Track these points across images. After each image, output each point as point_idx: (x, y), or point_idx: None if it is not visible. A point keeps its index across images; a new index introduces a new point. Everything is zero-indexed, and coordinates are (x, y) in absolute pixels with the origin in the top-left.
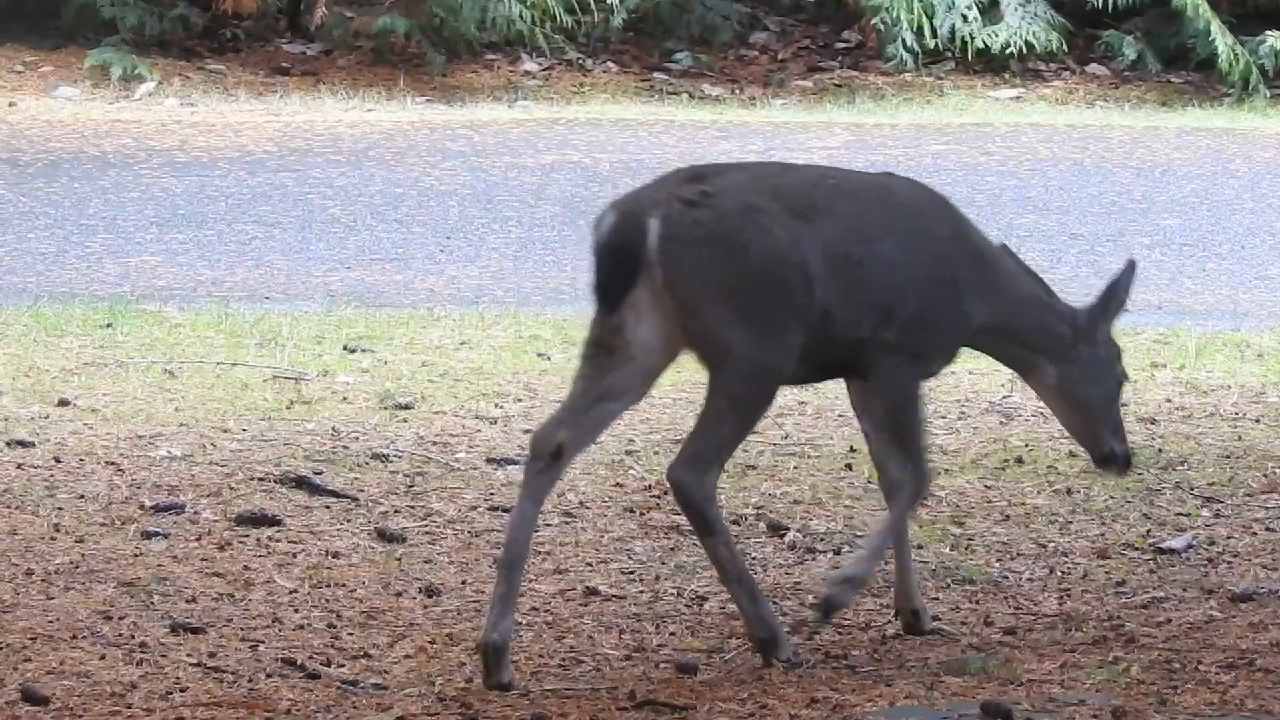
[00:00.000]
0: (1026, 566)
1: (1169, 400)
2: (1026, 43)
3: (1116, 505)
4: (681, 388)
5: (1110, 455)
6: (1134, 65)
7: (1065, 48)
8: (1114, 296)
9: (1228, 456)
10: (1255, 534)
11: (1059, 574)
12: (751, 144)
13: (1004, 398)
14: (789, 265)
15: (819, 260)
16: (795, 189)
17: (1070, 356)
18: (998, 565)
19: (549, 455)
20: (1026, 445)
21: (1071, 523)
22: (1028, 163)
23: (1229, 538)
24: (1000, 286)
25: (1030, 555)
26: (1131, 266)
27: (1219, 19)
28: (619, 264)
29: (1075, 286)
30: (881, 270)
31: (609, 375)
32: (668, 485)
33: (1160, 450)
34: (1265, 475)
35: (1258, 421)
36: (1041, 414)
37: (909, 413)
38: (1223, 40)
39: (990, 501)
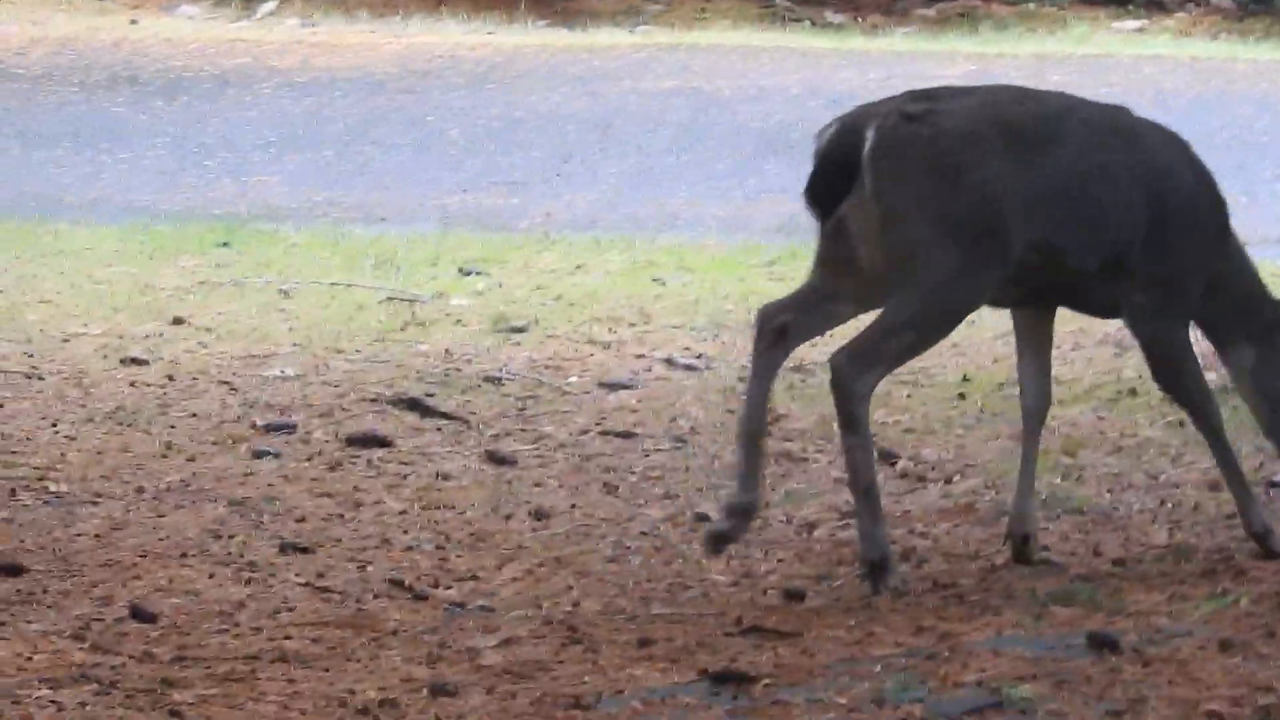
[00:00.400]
0: (1137, 498)
1: None
2: None
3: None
4: None
5: None
6: None
7: None
8: None
9: None
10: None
11: (1169, 506)
12: (872, 72)
13: (1119, 328)
14: (1003, 198)
15: (1044, 191)
16: (1033, 119)
17: (1268, 340)
18: (1108, 496)
19: (772, 333)
20: (1140, 377)
21: (1183, 455)
22: (1150, 95)
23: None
24: (1238, 254)
25: (1141, 487)
26: None
27: None
28: (833, 171)
29: None
30: (1114, 215)
31: (838, 280)
32: (830, 372)
33: None
34: None
35: None
36: None
37: (1180, 361)
38: None
39: (1102, 433)
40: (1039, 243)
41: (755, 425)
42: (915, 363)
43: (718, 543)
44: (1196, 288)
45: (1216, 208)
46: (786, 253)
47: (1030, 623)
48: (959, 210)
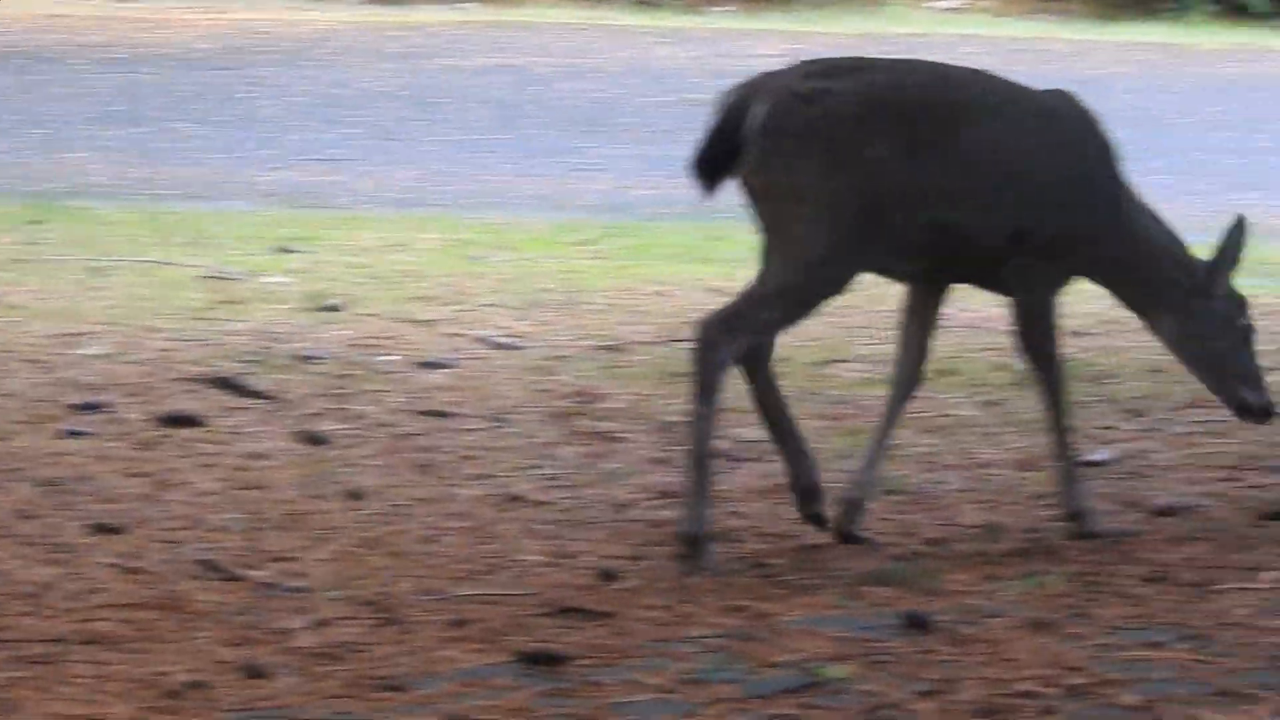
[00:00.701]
0: (951, 477)
1: (1097, 313)
2: None
3: (1042, 418)
4: (614, 295)
5: (1245, 405)
6: None
7: None
8: (1228, 252)
9: (1153, 371)
10: (1178, 448)
11: (983, 486)
12: (689, 50)
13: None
14: (879, 185)
15: (943, 175)
16: (936, 102)
17: (1189, 309)
18: (923, 476)
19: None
20: (956, 356)
21: (997, 434)
22: None
23: (1153, 451)
24: (1132, 224)
25: (955, 467)
26: (1242, 222)
27: None
28: (719, 144)
29: None
30: (1019, 189)
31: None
32: (695, 335)
33: (1087, 364)
34: (1189, 390)
35: None
36: (971, 325)
37: (1045, 326)
38: None
39: (918, 412)
40: (938, 224)
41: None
42: None
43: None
44: (1080, 257)
45: (1112, 178)
46: (606, 231)
47: (845, 602)
48: (839, 192)
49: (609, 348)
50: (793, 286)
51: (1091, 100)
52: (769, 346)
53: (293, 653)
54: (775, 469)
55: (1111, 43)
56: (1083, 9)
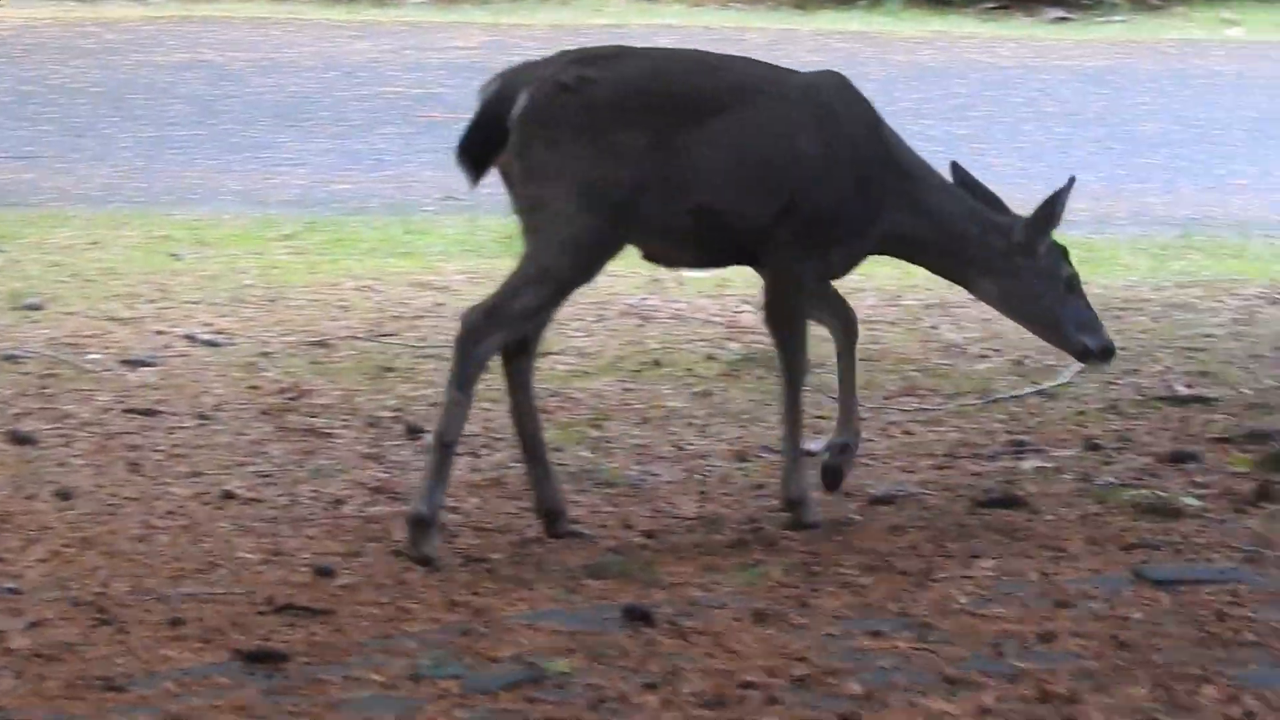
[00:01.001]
0: (665, 469)
1: None
2: None
3: (754, 408)
4: (317, 290)
5: (1086, 350)
6: None
7: None
8: (1052, 209)
9: (865, 360)
10: (893, 436)
11: (698, 477)
12: (384, 43)
13: (642, 299)
14: (649, 167)
15: (706, 160)
16: (697, 89)
17: (1008, 269)
18: (637, 468)
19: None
20: (664, 348)
21: (709, 425)
22: None
23: (867, 440)
24: (916, 197)
25: (669, 458)
26: (1071, 181)
27: None
28: (484, 131)
29: None
30: (788, 167)
31: None
32: (459, 328)
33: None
34: (902, 378)
35: (894, 325)
36: (679, 316)
37: (795, 302)
38: None
39: (628, 404)
40: (703, 208)
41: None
42: (439, 337)
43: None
44: (846, 227)
45: (883, 157)
46: (306, 226)
47: (564, 596)
48: (597, 177)
49: (315, 343)
50: (549, 271)
51: None
52: (532, 355)
53: (9, 654)
54: (490, 462)
55: (810, 31)
56: None
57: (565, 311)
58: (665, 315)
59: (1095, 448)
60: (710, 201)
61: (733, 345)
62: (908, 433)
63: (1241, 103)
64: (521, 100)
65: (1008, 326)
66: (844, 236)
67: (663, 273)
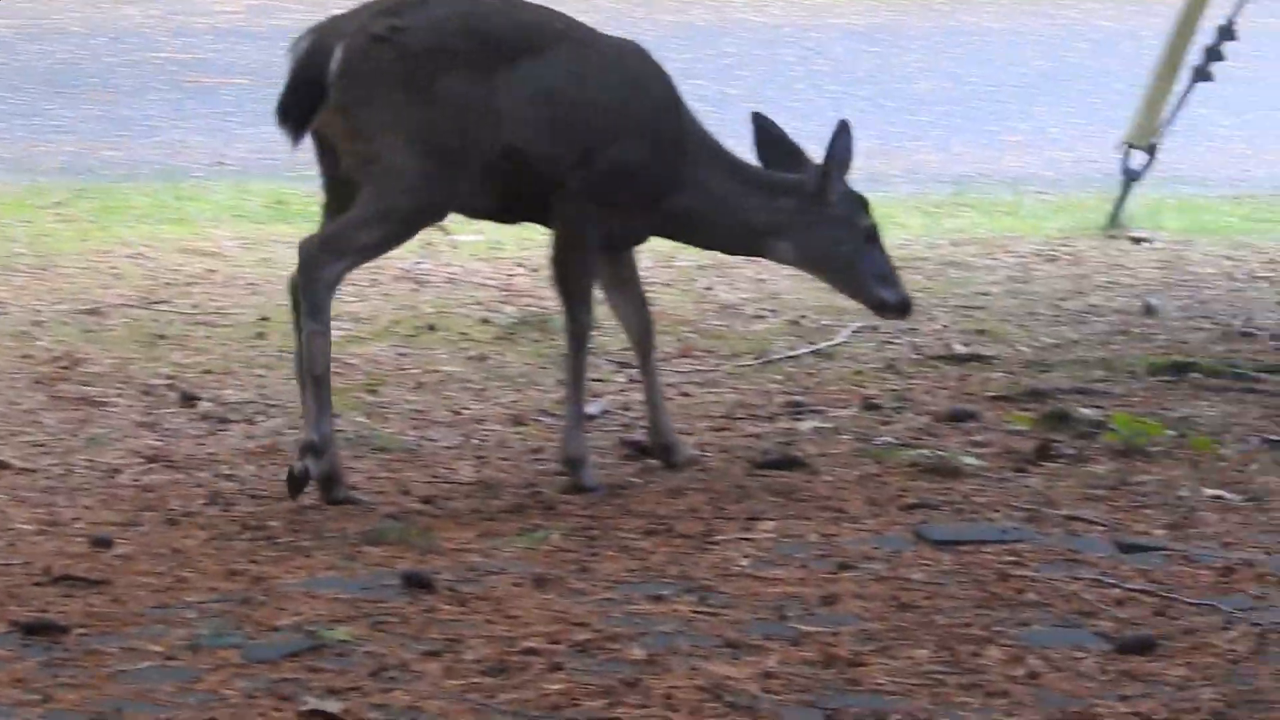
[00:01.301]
0: (442, 434)
1: None
2: None
3: (531, 372)
4: (89, 258)
5: (884, 303)
6: None
7: None
8: (835, 156)
9: None
10: (669, 398)
11: (475, 442)
12: (152, 8)
13: (416, 264)
14: (471, 107)
15: (518, 101)
16: (506, 29)
17: (804, 225)
18: (413, 433)
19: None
20: (439, 312)
21: (485, 389)
22: None
23: (643, 402)
24: (703, 178)
25: (445, 423)
26: (846, 125)
27: None
28: (302, 90)
29: None
30: (590, 117)
31: (349, 199)
32: (297, 263)
33: None
34: (678, 340)
35: (668, 286)
36: (453, 280)
37: (580, 258)
38: None
39: (404, 369)
40: (512, 148)
41: (325, 367)
42: (211, 303)
43: (300, 485)
44: (634, 192)
45: (677, 130)
46: (75, 193)
47: (343, 564)
48: (425, 124)
49: (87, 311)
50: (391, 211)
51: None
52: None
53: None
54: (266, 429)
55: None
56: None
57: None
58: (439, 279)
59: (873, 407)
60: (518, 141)
61: (508, 309)
62: (685, 394)
63: (1013, 59)
64: (337, 56)
65: (783, 286)
66: (633, 203)
67: (436, 236)
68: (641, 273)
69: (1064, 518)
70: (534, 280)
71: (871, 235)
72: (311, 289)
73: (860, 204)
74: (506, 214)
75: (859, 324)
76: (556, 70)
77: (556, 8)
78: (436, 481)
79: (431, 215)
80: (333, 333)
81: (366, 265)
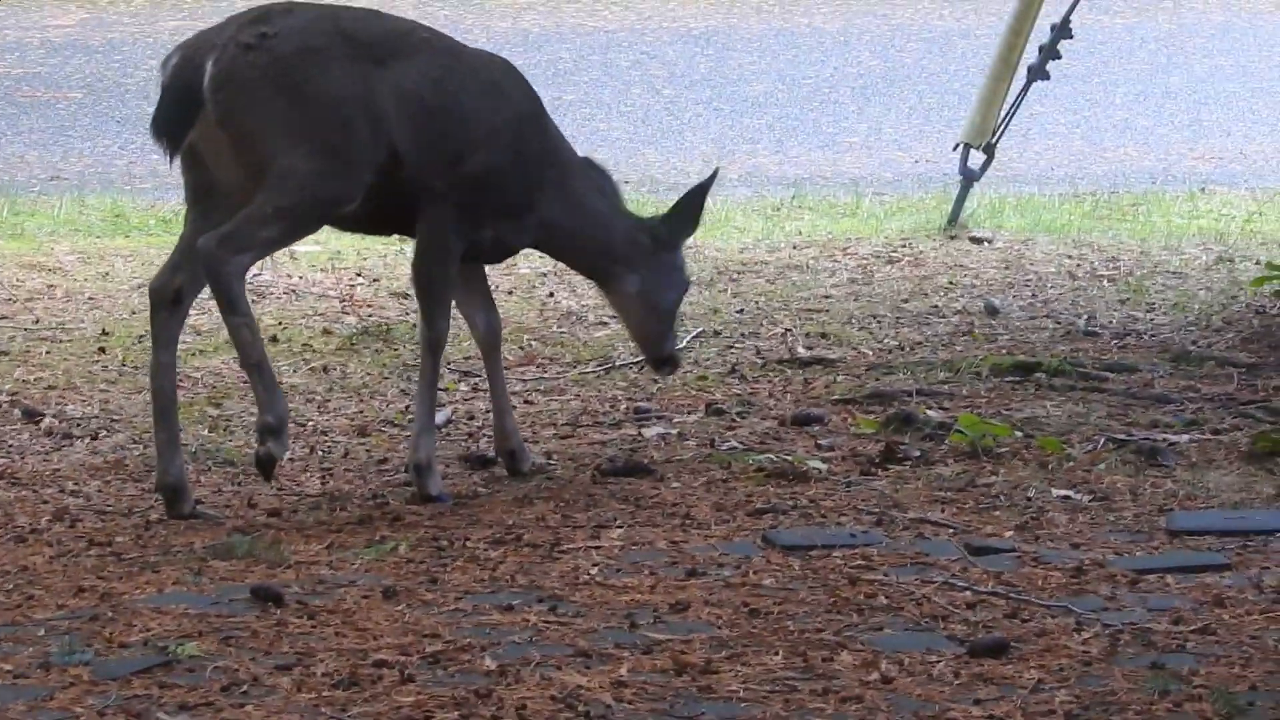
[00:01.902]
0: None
1: None
2: None
3: (374, 382)
4: None
5: (668, 358)
6: None
7: None
8: (695, 203)
9: None
10: (514, 406)
11: (320, 453)
12: None
13: (255, 276)
14: (350, 102)
15: (390, 101)
16: (373, 33)
17: (652, 265)
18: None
19: (169, 302)
20: (280, 324)
21: (329, 401)
22: None
23: (487, 411)
24: (571, 191)
25: (290, 435)
26: (714, 174)
27: None
28: (177, 104)
29: None
30: (456, 122)
31: (212, 215)
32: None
33: (414, 325)
34: (522, 348)
35: (511, 294)
36: (294, 292)
37: (442, 266)
38: None
39: (247, 382)
40: (390, 146)
41: (167, 399)
42: (53, 318)
43: (269, 467)
44: (500, 201)
45: (543, 141)
46: None
47: (192, 579)
48: (309, 123)
49: None
50: (291, 208)
51: None
52: (184, 312)
53: None
54: (110, 444)
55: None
56: None
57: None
58: (280, 291)
59: (718, 412)
60: (397, 143)
61: (349, 319)
62: (529, 402)
63: (848, 60)
64: (209, 69)
65: None
66: (498, 214)
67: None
68: None
69: (913, 521)
70: (374, 291)
71: (686, 288)
72: (223, 282)
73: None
74: (378, 220)
75: (701, 328)
76: (424, 75)
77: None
78: (283, 494)
79: (330, 208)
80: (180, 347)
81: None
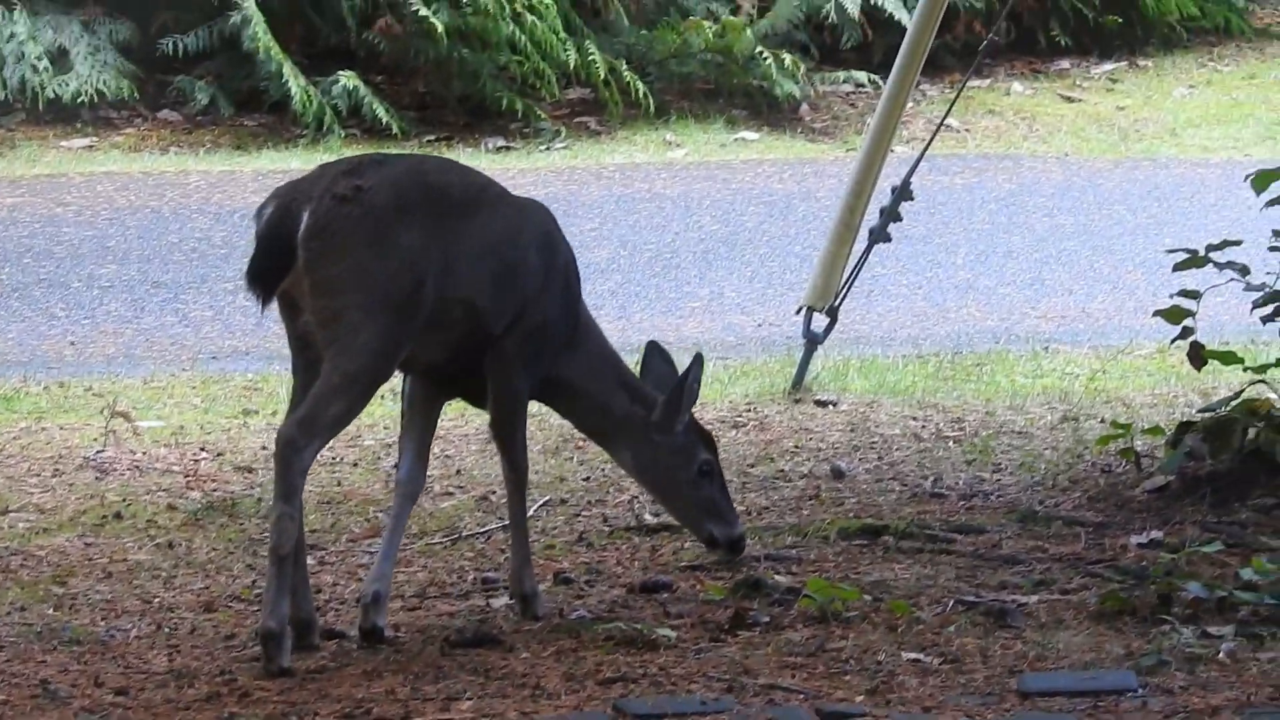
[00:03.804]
0: (133, 624)
1: (265, 448)
2: (98, 91)
3: (220, 557)
4: None
5: (711, 539)
6: (207, 110)
7: (137, 95)
8: (686, 388)
9: (328, 502)
10: (361, 579)
11: (166, 630)
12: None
13: (98, 453)
14: (425, 258)
15: (467, 253)
16: (453, 187)
17: (646, 441)
18: (104, 624)
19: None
20: (124, 500)
21: (175, 577)
22: (104, 212)
23: (334, 584)
24: (586, 345)
25: (136, 612)
26: (700, 360)
27: (290, 60)
28: (270, 254)
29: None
30: (521, 272)
31: (316, 365)
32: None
33: (260, 500)
34: (367, 520)
35: (355, 465)
36: (138, 468)
37: (517, 411)
38: (295, 82)
39: (91, 559)
40: (459, 300)
41: (291, 549)
42: None
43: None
44: (554, 350)
45: (573, 292)
46: None
47: None
48: (384, 281)
49: None
50: (354, 376)
51: (238, 230)
52: None
53: None
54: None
55: (252, 172)
56: (218, 140)
57: (20, 467)
58: (124, 467)
59: (566, 581)
60: (472, 296)
61: (193, 494)
62: None
63: (689, 224)
64: (305, 219)
65: (469, 463)
66: (544, 360)
67: (119, 424)
68: (326, 453)
69: (763, 687)
70: (219, 465)
71: (707, 470)
72: (289, 474)
73: (704, 439)
74: (447, 374)
75: (548, 496)
76: (497, 230)
77: (230, 192)
78: (130, 672)
79: (388, 371)
80: (20, 524)
81: (49, 455)
